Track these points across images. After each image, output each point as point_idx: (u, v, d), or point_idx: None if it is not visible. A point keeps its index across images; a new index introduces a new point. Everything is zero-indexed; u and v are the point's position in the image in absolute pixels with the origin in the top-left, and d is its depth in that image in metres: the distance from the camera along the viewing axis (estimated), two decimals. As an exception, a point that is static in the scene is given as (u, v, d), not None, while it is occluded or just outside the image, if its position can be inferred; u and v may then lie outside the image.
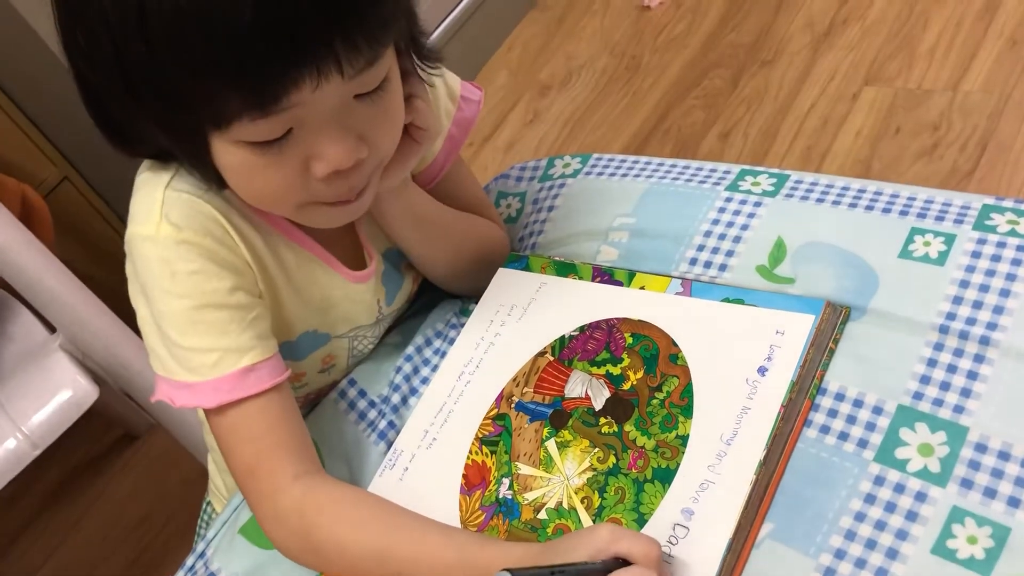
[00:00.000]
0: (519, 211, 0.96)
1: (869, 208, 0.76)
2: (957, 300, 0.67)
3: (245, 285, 0.70)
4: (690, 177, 0.87)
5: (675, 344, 0.73)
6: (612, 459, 0.68)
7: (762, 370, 0.68)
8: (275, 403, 0.69)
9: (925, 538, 0.58)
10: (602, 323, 0.77)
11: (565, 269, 0.83)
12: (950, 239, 0.70)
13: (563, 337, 0.78)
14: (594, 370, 0.74)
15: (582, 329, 0.77)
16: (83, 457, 1.82)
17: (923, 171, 1.53)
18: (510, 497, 0.70)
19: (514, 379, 0.77)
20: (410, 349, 0.84)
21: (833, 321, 0.69)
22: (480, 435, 0.75)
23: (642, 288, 0.78)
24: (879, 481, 0.61)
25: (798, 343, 0.68)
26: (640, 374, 0.72)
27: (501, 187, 1.00)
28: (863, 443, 0.63)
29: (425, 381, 0.82)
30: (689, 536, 0.62)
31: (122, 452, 1.80)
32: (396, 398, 0.81)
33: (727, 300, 0.73)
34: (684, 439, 0.67)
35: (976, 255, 0.69)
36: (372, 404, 0.82)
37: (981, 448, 0.60)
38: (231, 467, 0.71)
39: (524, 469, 0.71)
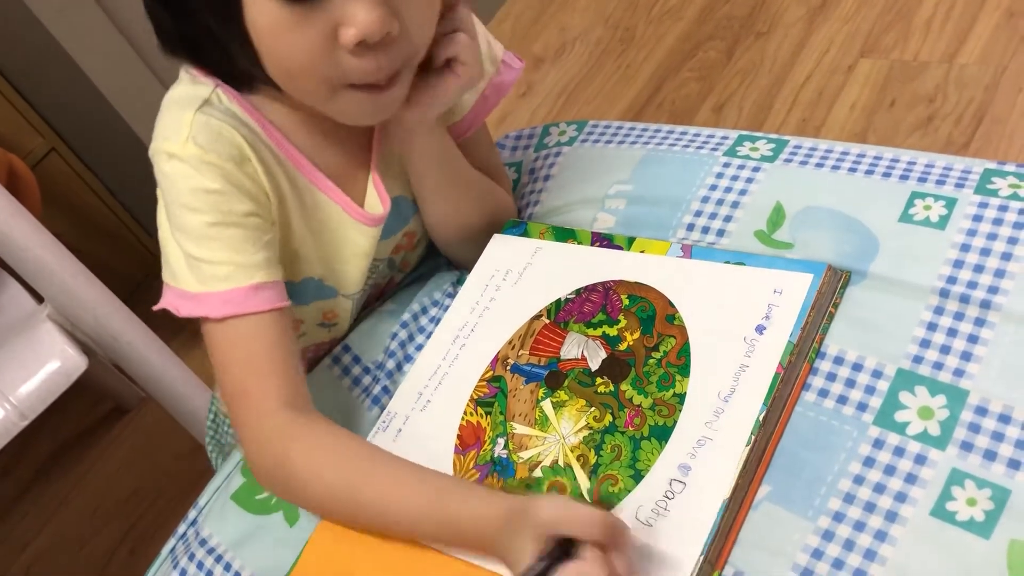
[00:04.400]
0: (516, 181, 0.95)
1: (869, 172, 0.75)
2: (958, 264, 0.66)
3: (261, 212, 0.71)
4: (688, 143, 0.86)
5: (672, 305, 0.72)
6: (608, 417, 0.68)
7: (760, 328, 0.67)
8: (276, 326, 0.70)
9: (924, 500, 0.58)
10: (598, 285, 0.76)
11: (564, 235, 0.82)
12: (951, 203, 0.70)
13: (559, 300, 0.77)
14: (590, 332, 0.74)
15: (578, 292, 0.77)
16: (73, 430, 1.81)
17: (918, 144, 1.52)
18: (505, 456, 0.70)
19: (509, 342, 0.76)
20: (406, 316, 0.84)
21: (833, 284, 0.68)
22: (475, 396, 0.74)
23: (642, 252, 0.77)
24: (878, 444, 0.61)
25: (796, 302, 0.67)
26: (636, 335, 0.72)
27: None
28: (862, 406, 0.63)
29: (420, 348, 0.81)
30: (685, 492, 0.62)
31: (112, 425, 1.79)
32: (391, 364, 0.80)
33: (727, 263, 0.73)
34: (681, 397, 0.67)
35: (977, 219, 0.68)
36: (367, 370, 0.81)
37: (981, 411, 0.60)
38: (223, 386, 0.71)
39: (519, 429, 0.71)
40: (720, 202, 0.79)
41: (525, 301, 0.78)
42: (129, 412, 1.79)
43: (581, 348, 0.73)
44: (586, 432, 0.68)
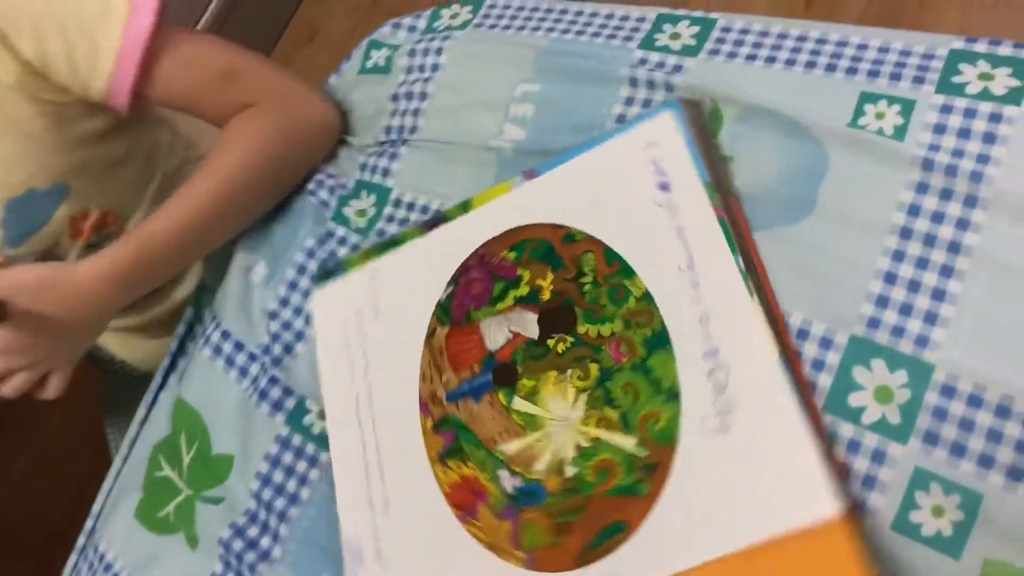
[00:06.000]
0: (388, 60, 0.80)
1: (810, 65, 0.61)
2: (922, 188, 0.55)
3: None
4: (598, 29, 0.71)
5: (559, 226, 0.61)
6: (593, 367, 0.58)
7: (664, 186, 0.58)
8: None
9: (885, 511, 0.49)
10: (470, 261, 0.64)
11: (390, 244, 0.68)
12: (908, 107, 0.57)
13: (441, 303, 0.64)
14: (501, 306, 0.62)
15: (454, 282, 0.64)
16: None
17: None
18: (520, 484, 0.58)
19: (423, 378, 0.63)
20: (282, 289, 0.72)
21: (696, 114, 0.60)
22: (433, 456, 0.61)
23: (484, 205, 0.65)
24: (831, 438, 0.51)
25: (679, 143, 0.59)
26: (549, 275, 0.61)
27: (376, 36, 0.83)
28: (810, 388, 0.53)
29: (308, 321, 0.71)
30: (734, 373, 0.53)
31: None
32: (277, 348, 0.70)
33: (580, 154, 0.63)
34: (647, 295, 0.57)
35: (940, 130, 0.55)
36: (252, 357, 0.71)
37: (948, 391, 0.50)
38: None
39: (511, 447, 0.59)
40: (647, 104, 0.65)
41: (403, 329, 0.65)
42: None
43: (505, 327, 0.62)
44: (583, 396, 0.57)
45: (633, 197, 0.59)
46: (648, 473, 0.54)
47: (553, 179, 0.63)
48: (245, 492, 0.68)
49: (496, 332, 0.62)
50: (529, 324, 0.61)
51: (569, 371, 0.58)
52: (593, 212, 0.60)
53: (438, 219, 0.66)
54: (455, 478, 0.60)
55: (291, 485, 0.67)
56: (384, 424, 0.63)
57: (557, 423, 0.58)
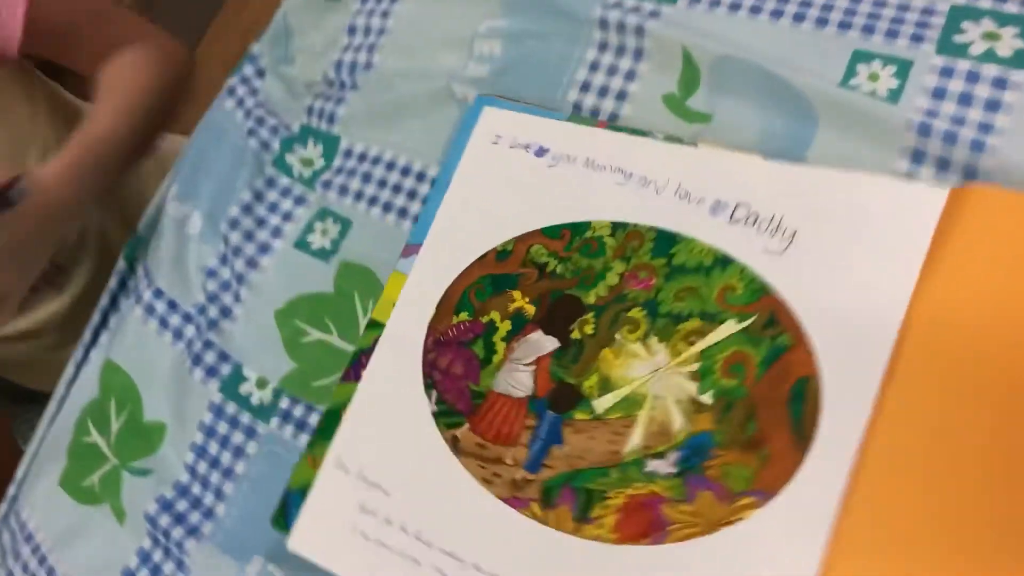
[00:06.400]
0: None
1: (799, 18, 0.56)
2: (917, 157, 0.50)
3: None
4: (568, -29, 0.65)
5: (482, 256, 0.58)
6: (636, 312, 0.53)
7: (540, 152, 0.59)
8: None
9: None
10: (427, 357, 0.57)
11: (331, 422, 0.58)
12: (904, 68, 0.52)
13: (436, 412, 0.56)
14: (497, 358, 0.56)
15: (431, 386, 0.57)
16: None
17: None
18: (678, 455, 0.50)
19: (487, 484, 0.53)
20: (220, 245, 0.66)
21: (504, 98, 0.63)
22: (570, 527, 0.51)
23: (395, 309, 0.59)
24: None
25: (515, 117, 0.61)
26: (516, 295, 0.57)
27: None
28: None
29: (243, 281, 0.65)
30: (748, 197, 0.52)
31: None
32: (213, 310, 0.65)
33: (449, 188, 0.62)
34: (615, 225, 0.55)
35: (940, 94, 0.51)
36: (188, 318, 0.66)
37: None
38: None
39: (635, 440, 0.51)
40: (620, 50, 0.60)
41: (421, 473, 0.55)
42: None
43: (520, 366, 0.55)
44: (652, 339, 0.52)
45: (526, 182, 0.58)
46: (773, 327, 0.49)
47: (438, 233, 0.60)
48: (179, 464, 0.63)
49: (517, 378, 0.55)
50: (540, 343, 0.55)
51: (616, 336, 0.53)
52: (503, 219, 0.58)
53: (358, 361, 0.58)
54: (612, 520, 0.50)
55: (226, 458, 0.62)
56: (489, 556, 0.52)
57: (653, 380, 0.51)
